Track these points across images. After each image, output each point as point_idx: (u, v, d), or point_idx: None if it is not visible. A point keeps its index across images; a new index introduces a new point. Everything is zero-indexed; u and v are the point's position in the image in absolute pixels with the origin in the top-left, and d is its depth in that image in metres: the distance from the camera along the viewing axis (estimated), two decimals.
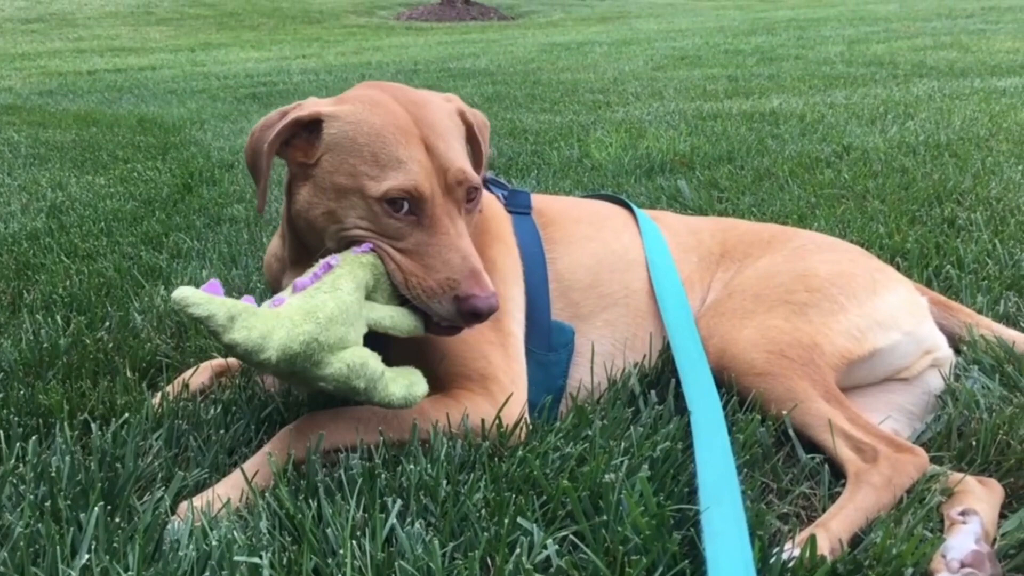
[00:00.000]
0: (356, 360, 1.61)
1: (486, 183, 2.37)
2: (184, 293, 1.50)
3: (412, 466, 1.62)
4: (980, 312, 2.33)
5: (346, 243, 1.80)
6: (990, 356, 2.07)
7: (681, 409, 1.85)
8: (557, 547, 1.45)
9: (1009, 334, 2.16)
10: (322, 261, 1.73)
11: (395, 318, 1.75)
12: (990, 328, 2.19)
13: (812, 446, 1.79)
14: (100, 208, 4.14)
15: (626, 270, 2.23)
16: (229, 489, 1.67)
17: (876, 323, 1.98)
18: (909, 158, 4.37)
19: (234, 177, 4.90)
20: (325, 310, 1.60)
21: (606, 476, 1.59)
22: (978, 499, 1.57)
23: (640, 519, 1.43)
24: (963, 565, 1.36)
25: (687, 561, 1.39)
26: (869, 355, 1.95)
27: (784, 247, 2.24)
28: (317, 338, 1.57)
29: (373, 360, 1.65)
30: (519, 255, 2.15)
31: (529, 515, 1.52)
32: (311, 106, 1.86)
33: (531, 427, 1.89)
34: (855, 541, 1.52)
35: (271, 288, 2.17)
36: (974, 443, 1.78)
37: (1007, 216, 3.21)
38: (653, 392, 1.97)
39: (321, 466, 1.69)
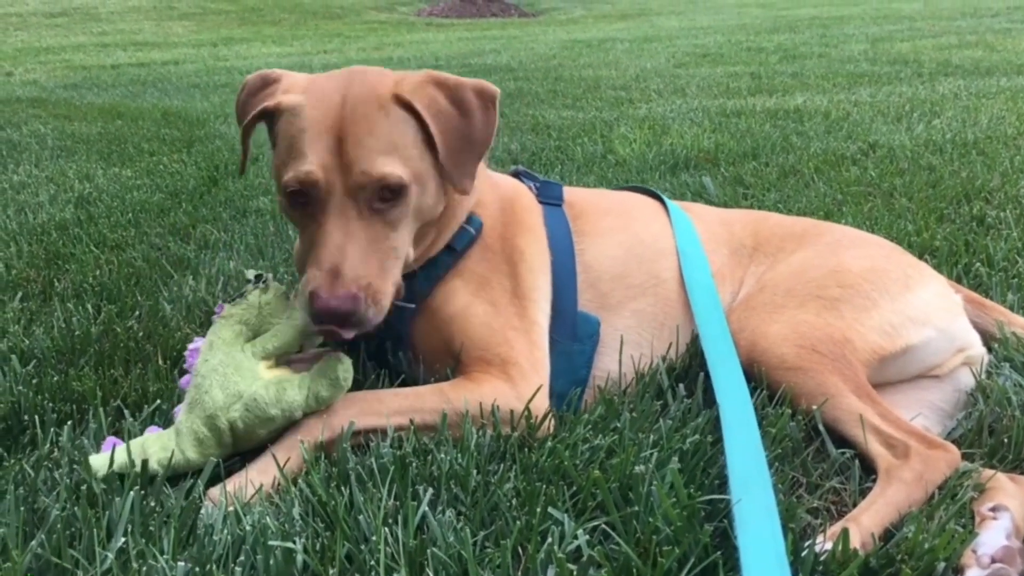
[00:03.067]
0: (253, 397, 1.73)
1: (518, 174, 2.38)
2: (100, 461, 1.65)
3: (443, 455, 1.63)
4: (1012, 309, 2.31)
5: None
6: (1022, 353, 2.05)
7: (710, 403, 1.85)
8: (588, 537, 1.45)
9: None
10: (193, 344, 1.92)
11: (278, 337, 1.86)
12: (1023, 326, 2.17)
13: (842, 441, 1.78)
14: (127, 199, 4.17)
15: (655, 260, 2.23)
16: (261, 474, 1.68)
17: (909, 319, 1.97)
18: (936, 156, 4.34)
19: (259, 170, 4.92)
20: (210, 391, 1.74)
21: (636, 468, 1.59)
22: (1009, 496, 1.56)
23: (671, 510, 1.43)
24: (994, 560, 1.36)
25: (719, 553, 1.39)
26: (902, 351, 1.94)
27: (817, 242, 2.23)
28: (213, 420, 1.71)
29: (265, 386, 1.76)
30: (548, 245, 2.15)
31: (560, 505, 1.53)
32: (279, 92, 1.91)
33: (559, 417, 1.90)
34: (886, 536, 1.52)
35: (300, 275, 2.20)
36: (1006, 440, 1.77)
37: None
38: (682, 386, 1.97)
39: (352, 453, 1.71)
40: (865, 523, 1.51)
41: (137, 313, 2.60)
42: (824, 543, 1.42)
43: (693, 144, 4.85)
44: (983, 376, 2.02)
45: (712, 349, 1.97)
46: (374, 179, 1.76)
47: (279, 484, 1.66)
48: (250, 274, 1.98)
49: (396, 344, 2.06)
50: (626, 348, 2.12)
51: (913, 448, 1.68)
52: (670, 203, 2.41)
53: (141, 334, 2.39)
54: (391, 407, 1.83)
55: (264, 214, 3.83)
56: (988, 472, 1.65)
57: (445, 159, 1.87)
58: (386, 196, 1.79)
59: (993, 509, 1.49)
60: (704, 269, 2.21)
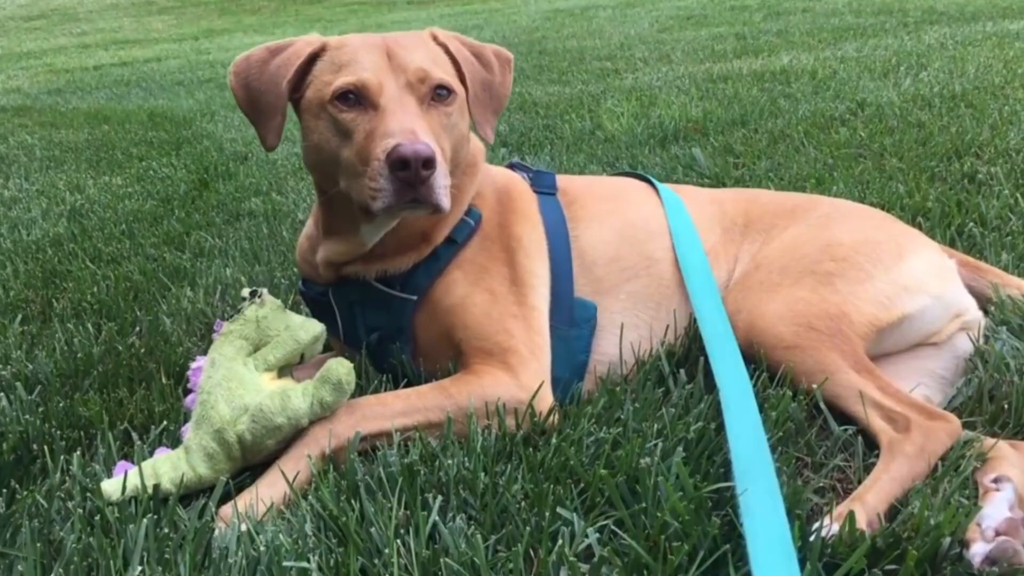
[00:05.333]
0: (259, 408, 1.75)
1: (512, 167, 2.40)
2: (112, 486, 1.67)
3: (450, 460, 1.64)
4: (1007, 270, 2.32)
5: (344, 168, 1.90)
6: (1018, 316, 2.06)
7: (711, 387, 1.86)
8: (598, 535, 1.47)
9: None
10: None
11: (279, 349, 1.91)
12: (1019, 287, 2.18)
13: (844, 418, 1.80)
14: (120, 209, 4.17)
15: (647, 241, 2.24)
16: (270, 488, 1.70)
17: (904, 288, 1.98)
18: (925, 111, 4.33)
19: (249, 170, 4.91)
20: (216, 406, 1.77)
21: (642, 461, 1.60)
22: (1011, 464, 1.58)
23: (678, 504, 1.45)
24: (998, 533, 1.37)
25: (727, 545, 1.40)
26: (898, 321, 1.95)
27: (808, 216, 2.24)
28: (221, 434, 1.73)
29: (270, 396, 1.78)
30: (544, 233, 2.16)
31: (568, 504, 1.55)
32: (316, 40, 2.01)
33: (564, 411, 1.92)
34: (892, 512, 1.54)
35: (303, 273, 2.22)
36: (1006, 406, 1.79)
37: None
38: (683, 371, 1.98)
39: (360, 463, 1.72)
40: (870, 502, 1.53)
41: (138, 329, 2.61)
42: (831, 526, 1.44)
43: (681, 114, 4.83)
44: (981, 341, 2.03)
45: (710, 332, 1.98)
46: (431, 76, 1.91)
47: (289, 498, 1.68)
48: (245, 292, 1.99)
49: (396, 338, 2.07)
50: (624, 331, 2.13)
51: (914, 421, 1.69)
52: (661, 186, 2.41)
53: (143, 351, 2.40)
54: (395, 409, 1.85)
55: (256, 216, 3.83)
56: (990, 441, 1.66)
57: (473, 101, 2.03)
58: (441, 94, 1.92)
59: (996, 480, 1.51)
60: (698, 249, 2.22)
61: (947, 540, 1.40)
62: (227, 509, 1.66)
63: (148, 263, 3.25)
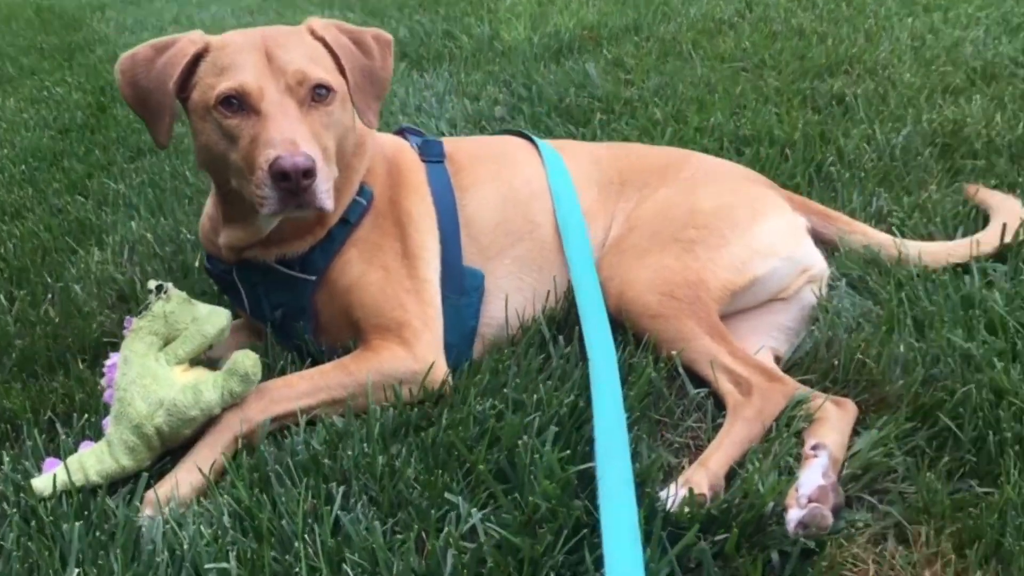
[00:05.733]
0: (173, 403, 1.91)
1: (402, 132, 2.51)
2: (42, 483, 1.85)
3: (349, 452, 1.85)
4: (855, 213, 2.56)
5: (233, 171, 2.02)
6: (857, 268, 2.31)
7: (583, 356, 2.08)
8: (481, 515, 1.70)
9: (878, 239, 2.39)
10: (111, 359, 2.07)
11: (188, 342, 2.04)
12: (864, 233, 2.41)
13: (700, 381, 2.04)
14: (18, 144, 4.14)
15: (529, 203, 2.40)
16: (189, 473, 1.88)
17: (756, 252, 2.20)
18: (808, 13, 4.48)
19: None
20: (132, 403, 1.92)
21: (519, 441, 1.82)
22: (831, 427, 1.83)
23: (548, 486, 1.68)
24: (810, 500, 1.64)
25: (585, 530, 1.64)
26: (750, 284, 2.18)
27: (677, 177, 2.42)
28: (140, 428, 1.90)
29: (183, 391, 1.94)
30: (432, 204, 2.31)
31: (455, 487, 1.77)
32: (200, 39, 2.08)
33: (456, 381, 2.12)
34: (731, 474, 1.79)
35: (206, 249, 2.36)
36: (836, 363, 2.05)
37: (889, 90, 3.40)
38: (561, 337, 2.19)
39: (271, 447, 1.92)
40: (712, 467, 1.78)
41: (50, 296, 2.71)
42: (677, 494, 1.68)
43: (577, 21, 4.89)
44: (825, 293, 2.28)
45: (584, 301, 2.16)
46: (309, 78, 2.00)
47: (205, 485, 1.87)
48: (152, 284, 2.11)
49: (299, 316, 2.23)
50: (509, 295, 2.31)
51: (755, 384, 1.94)
52: (542, 144, 2.55)
53: (58, 321, 2.52)
54: (300, 390, 2.03)
55: (159, 153, 3.85)
56: (817, 401, 1.92)
57: (354, 90, 2.12)
58: (320, 94, 2.02)
59: (814, 447, 1.76)
60: (576, 214, 2.37)
61: (770, 506, 1.66)
62: (151, 494, 1.84)
63: (52, 217, 3.30)
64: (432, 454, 1.86)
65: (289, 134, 1.91)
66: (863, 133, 3.02)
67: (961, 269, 2.28)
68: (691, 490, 1.66)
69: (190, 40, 2.07)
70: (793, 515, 1.63)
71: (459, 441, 1.85)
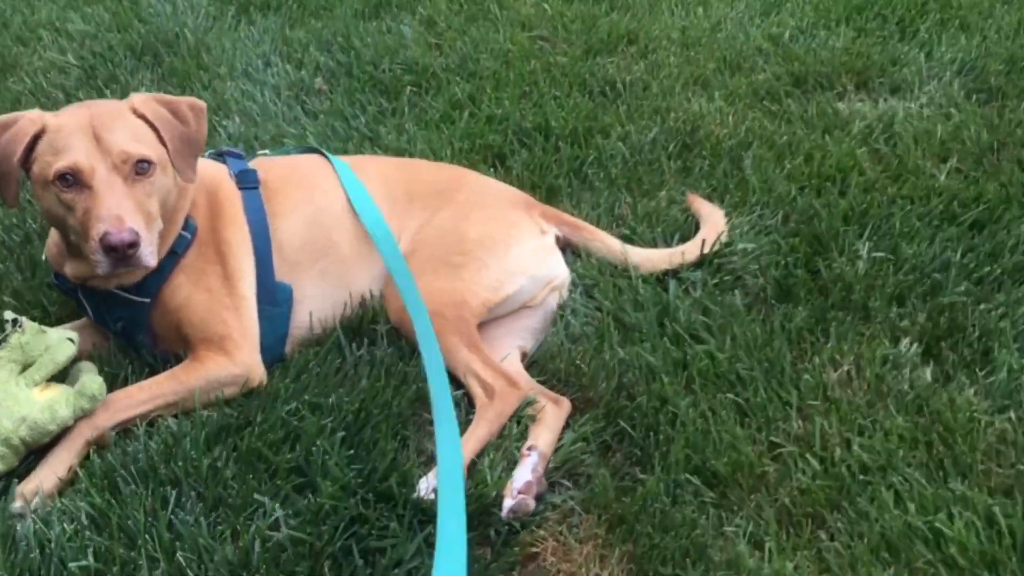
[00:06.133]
0: (34, 420, 2.37)
1: (220, 156, 2.93)
2: None
3: (180, 462, 2.38)
4: (600, 218, 3.17)
5: (72, 232, 2.48)
6: (589, 278, 2.93)
7: (375, 356, 2.65)
8: (282, 512, 2.29)
9: (611, 247, 2.99)
10: None
11: (42, 368, 2.47)
12: (603, 242, 3.01)
13: (460, 384, 2.63)
14: None
15: (330, 225, 2.89)
16: (49, 472, 2.38)
17: (509, 273, 2.79)
18: None
19: None
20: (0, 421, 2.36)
21: (314, 445, 2.40)
22: (545, 427, 2.46)
23: (328, 488, 2.28)
24: (519, 492, 2.29)
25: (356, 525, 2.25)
26: (504, 299, 2.77)
27: (453, 200, 2.94)
28: (8, 441, 2.35)
29: (41, 410, 2.39)
30: (248, 230, 2.78)
31: (263, 487, 2.34)
32: (38, 119, 2.47)
33: (264, 382, 2.66)
34: (472, 465, 2.42)
35: (54, 267, 2.76)
36: (561, 366, 2.68)
37: (655, 73, 3.96)
38: (354, 344, 2.75)
39: (119, 450, 2.44)
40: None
41: None
42: (428, 486, 2.30)
43: None
44: (566, 296, 2.90)
45: (416, 312, 2.57)
46: (132, 156, 2.45)
47: (65, 482, 2.37)
48: (8, 316, 2.53)
49: (138, 331, 2.71)
50: (313, 304, 2.83)
51: (498, 389, 2.54)
52: (340, 164, 3.00)
53: None
54: (139, 399, 2.54)
55: None
56: (540, 404, 2.55)
57: (174, 155, 2.56)
58: (142, 169, 2.47)
59: (528, 448, 2.40)
60: (385, 229, 2.83)
61: (493, 494, 2.31)
62: (19, 488, 2.34)
63: None
64: (245, 458, 2.42)
65: (116, 210, 2.35)
66: (622, 133, 3.59)
67: (671, 275, 2.93)
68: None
69: (30, 119, 2.45)
70: (507, 504, 2.27)
71: (264, 446, 2.42)
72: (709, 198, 3.23)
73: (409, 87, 4.02)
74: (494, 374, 2.59)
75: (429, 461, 2.45)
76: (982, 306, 2.66)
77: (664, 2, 4.58)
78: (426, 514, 2.24)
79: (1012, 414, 2.32)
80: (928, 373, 2.51)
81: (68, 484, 2.39)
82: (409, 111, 3.87)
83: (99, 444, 2.47)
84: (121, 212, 2.35)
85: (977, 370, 2.50)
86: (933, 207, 3.04)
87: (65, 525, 2.25)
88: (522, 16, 4.56)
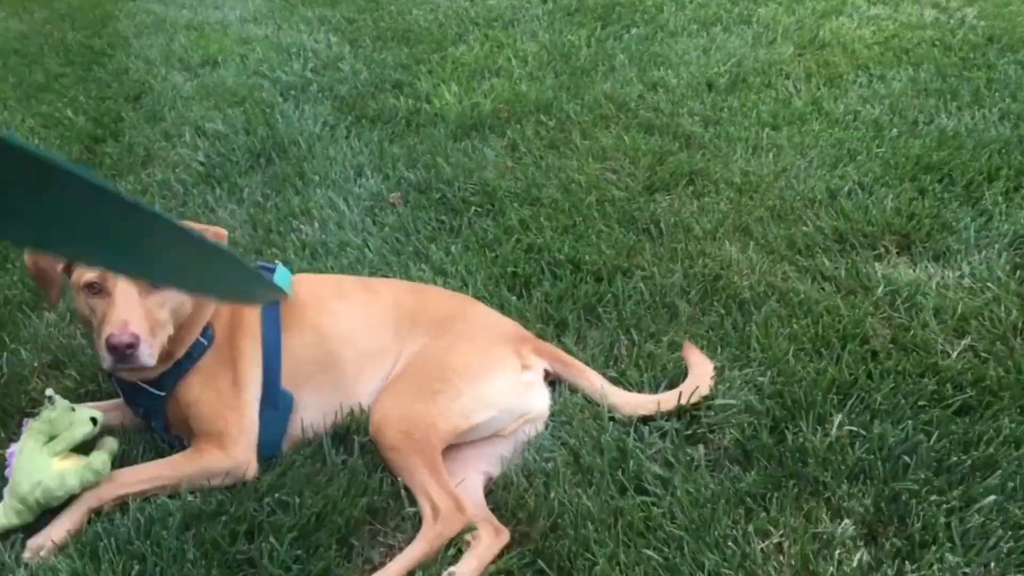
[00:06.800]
0: (46, 485, 2.79)
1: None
2: None
3: (149, 542, 2.72)
4: (596, 357, 3.33)
5: (94, 331, 2.90)
6: (564, 415, 3.10)
7: (346, 467, 2.93)
8: None
9: (594, 386, 3.16)
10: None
11: (64, 441, 2.90)
12: (588, 380, 3.19)
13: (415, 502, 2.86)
14: None
15: (340, 344, 3.22)
16: (56, 532, 2.79)
17: (481, 403, 3.01)
18: (693, 117, 5.11)
19: (138, 120, 5.70)
20: (20, 483, 2.80)
21: (267, 541, 2.68)
22: (473, 555, 2.64)
23: None
24: None
25: None
26: (472, 428, 2.99)
27: (450, 329, 3.21)
28: (25, 500, 2.79)
29: (53, 477, 2.80)
30: (262, 342, 3.15)
31: (214, 572, 2.64)
32: None
33: (256, 476, 2.99)
34: None
35: None
36: (509, 498, 2.85)
37: (701, 216, 4.10)
38: (334, 451, 3.03)
39: (107, 522, 2.82)
40: (389, 574, 2.63)
41: (5, 355, 3.62)
42: None
43: (507, 87, 5.56)
44: (543, 429, 3.08)
45: None
46: None
47: (67, 540, 2.77)
48: (48, 392, 3.00)
49: (154, 416, 3.12)
50: (306, 412, 3.15)
51: (444, 512, 2.75)
52: (282, 274, 3.31)
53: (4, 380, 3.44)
54: (140, 478, 2.93)
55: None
56: (478, 532, 2.73)
57: None
58: (154, 285, 2.84)
59: (449, 574, 2.59)
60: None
61: None
62: (30, 542, 2.76)
63: (10, 275, 4.17)
64: (209, 544, 2.74)
65: (124, 316, 2.76)
66: (645, 274, 3.73)
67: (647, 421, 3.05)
68: None
69: None
70: None
71: (227, 536, 2.73)
72: (712, 348, 3.33)
73: (474, 208, 4.32)
74: (446, 497, 2.80)
75: (374, 569, 2.68)
76: (933, 498, 2.62)
77: (740, 144, 4.69)
78: None
79: None
80: (861, 556, 2.52)
81: (63, 546, 2.77)
82: (467, 232, 4.16)
83: (98, 512, 2.86)
84: (128, 318, 2.76)
85: (908, 563, 2.48)
86: (924, 386, 3.01)
87: None
88: (600, 146, 4.80)
